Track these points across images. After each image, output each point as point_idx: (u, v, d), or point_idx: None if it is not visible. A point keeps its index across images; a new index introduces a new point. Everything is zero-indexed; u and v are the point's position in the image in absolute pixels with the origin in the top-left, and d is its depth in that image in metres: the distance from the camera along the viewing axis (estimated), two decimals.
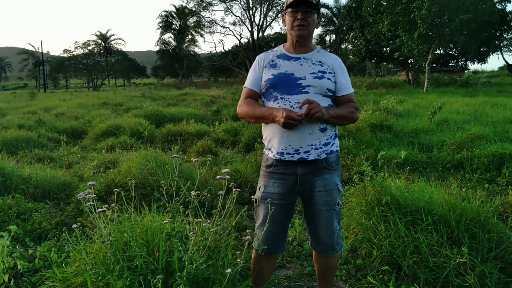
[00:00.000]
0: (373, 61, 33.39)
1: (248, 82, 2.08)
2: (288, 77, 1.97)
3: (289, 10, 1.98)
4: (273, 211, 1.97)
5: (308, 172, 1.98)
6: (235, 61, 42.74)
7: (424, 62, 22.88)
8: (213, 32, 72.32)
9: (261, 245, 2.06)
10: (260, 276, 2.17)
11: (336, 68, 2.01)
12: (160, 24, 53.93)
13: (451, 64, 33.17)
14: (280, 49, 2.10)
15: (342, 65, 2.06)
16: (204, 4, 40.93)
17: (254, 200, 2.10)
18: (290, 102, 1.94)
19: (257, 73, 2.06)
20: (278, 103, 1.96)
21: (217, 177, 2.11)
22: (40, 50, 57.75)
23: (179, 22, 53.91)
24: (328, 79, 1.97)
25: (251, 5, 41.42)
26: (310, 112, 1.81)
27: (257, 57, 2.12)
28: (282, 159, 1.97)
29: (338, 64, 2.04)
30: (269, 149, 2.04)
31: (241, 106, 2.06)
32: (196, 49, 62.41)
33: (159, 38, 55.36)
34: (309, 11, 1.95)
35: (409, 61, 28.29)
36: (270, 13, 42.05)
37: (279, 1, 40.64)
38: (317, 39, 46.97)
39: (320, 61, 2.00)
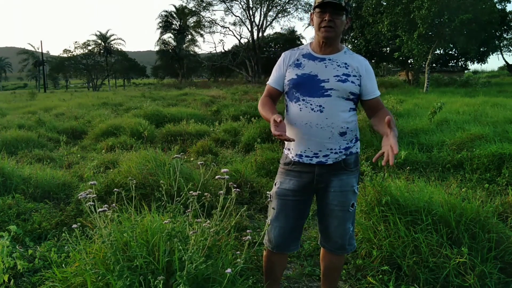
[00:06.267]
0: (373, 61, 33.32)
1: (271, 80, 2.08)
2: (312, 79, 1.94)
3: (317, 10, 1.94)
4: (286, 206, 1.99)
5: (325, 172, 1.98)
6: (235, 61, 42.74)
7: (424, 62, 22.86)
8: (213, 32, 72.58)
9: (272, 241, 2.06)
10: (271, 275, 2.16)
11: (362, 71, 1.97)
12: (160, 24, 54.01)
13: (451, 64, 33.18)
14: (306, 47, 2.06)
15: (369, 67, 2.01)
16: (204, 4, 40.98)
17: (269, 195, 2.11)
18: (311, 104, 1.92)
19: (281, 71, 2.05)
20: (299, 104, 1.95)
21: (216, 177, 2.11)
22: (40, 50, 57.90)
23: (179, 22, 53.94)
24: (352, 82, 1.94)
25: (251, 5, 41.45)
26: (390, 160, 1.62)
27: (283, 54, 2.10)
28: (301, 161, 1.98)
29: (364, 66, 1.99)
30: (288, 149, 2.04)
31: (259, 103, 2.07)
32: (196, 49, 62.51)
33: (159, 38, 55.47)
34: (337, 13, 1.90)
35: (409, 61, 28.27)
36: (270, 13, 42.11)
37: (280, 1, 40.67)
38: None
39: (345, 63, 1.96)
